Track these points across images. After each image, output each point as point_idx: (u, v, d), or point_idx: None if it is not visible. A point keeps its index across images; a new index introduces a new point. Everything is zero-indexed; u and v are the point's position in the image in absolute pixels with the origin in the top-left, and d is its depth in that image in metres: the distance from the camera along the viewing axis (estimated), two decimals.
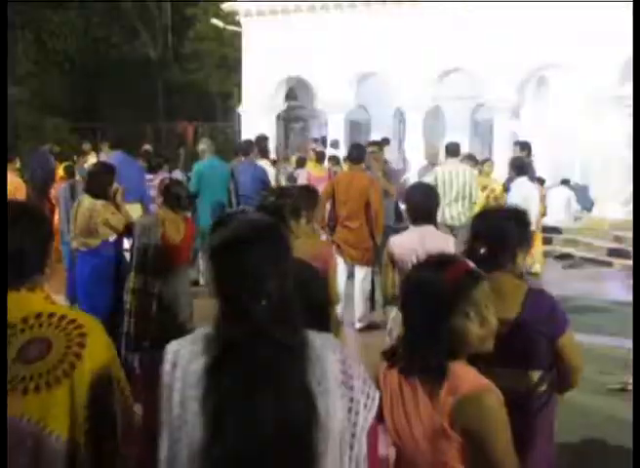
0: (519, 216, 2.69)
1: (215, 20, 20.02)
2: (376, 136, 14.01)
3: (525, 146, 9.06)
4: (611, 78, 12.78)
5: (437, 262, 2.05)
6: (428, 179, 8.61)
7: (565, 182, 13.64)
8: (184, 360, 1.67)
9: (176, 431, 1.65)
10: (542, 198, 8.91)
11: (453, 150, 8.95)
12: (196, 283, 7.55)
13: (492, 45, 13.59)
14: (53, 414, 1.77)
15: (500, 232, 2.57)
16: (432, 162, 11.05)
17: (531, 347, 2.45)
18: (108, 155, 8.54)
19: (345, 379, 1.67)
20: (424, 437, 1.93)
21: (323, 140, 16.55)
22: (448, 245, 4.09)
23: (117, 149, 8.46)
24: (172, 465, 1.66)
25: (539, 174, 10.55)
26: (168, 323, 4.81)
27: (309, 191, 4.46)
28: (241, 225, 1.77)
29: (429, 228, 4.26)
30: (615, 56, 12.37)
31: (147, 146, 12.15)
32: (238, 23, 17.70)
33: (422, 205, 4.32)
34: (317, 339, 1.69)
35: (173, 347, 1.73)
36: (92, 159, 10.79)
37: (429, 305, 1.95)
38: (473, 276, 2.01)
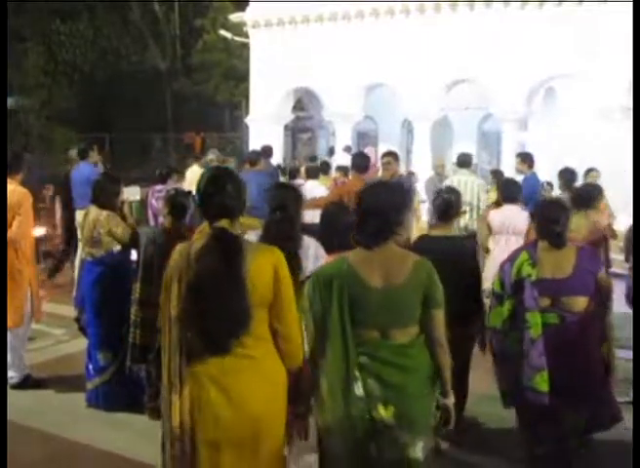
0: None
1: (223, 32, 20.12)
2: (383, 147, 13.98)
3: (526, 158, 8.92)
4: (619, 88, 12.75)
5: None
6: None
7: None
8: None
9: None
10: None
11: (464, 161, 8.90)
12: None
13: (500, 56, 13.59)
14: None
15: None
16: (439, 173, 11.00)
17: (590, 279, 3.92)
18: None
19: (315, 254, 3.62)
20: None
21: (331, 151, 16.53)
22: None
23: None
24: None
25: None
26: None
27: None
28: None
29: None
30: (623, 66, 12.33)
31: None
32: (246, 34, 17.77)
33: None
34: (306, 238, 3.69)
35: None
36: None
37: None
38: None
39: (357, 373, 2.80)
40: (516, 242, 5.25)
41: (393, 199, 2.91)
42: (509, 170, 12.41)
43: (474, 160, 14.50)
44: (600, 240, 5.08)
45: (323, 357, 2.81)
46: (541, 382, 3.85)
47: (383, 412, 2.77)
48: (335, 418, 2.80)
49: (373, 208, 2.88)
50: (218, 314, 2.58)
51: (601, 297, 4.03)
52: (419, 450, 2.81)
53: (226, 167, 4.10)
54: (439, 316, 2.86)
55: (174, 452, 2.69)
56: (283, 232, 3.54)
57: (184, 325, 2.64)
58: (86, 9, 25.91)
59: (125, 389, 5.04)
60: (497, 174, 10.00)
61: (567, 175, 7.68)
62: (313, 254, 3.67)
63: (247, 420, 2.66)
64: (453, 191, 4.79)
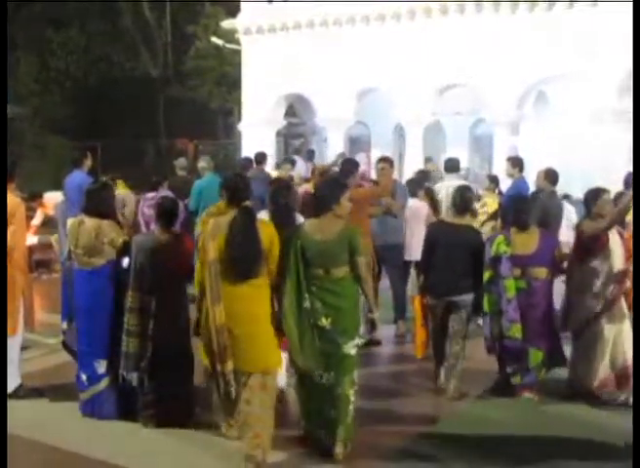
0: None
1: (214, 39, 20.14)
2: (376, 153, 14.01)
3: (516, 162, 8.87)
4: (611, 91, 12.80)
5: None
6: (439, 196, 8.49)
7: (566, 197, 13.57)
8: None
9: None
10: None
11: (452, 166, 8.91)
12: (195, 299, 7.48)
13: (491, 60, 13.65)
14: None
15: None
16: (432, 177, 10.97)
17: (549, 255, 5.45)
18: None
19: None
20: None
21: (309, 153, 16.28)
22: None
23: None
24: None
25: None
26: (165, 342, 4.78)
27: None
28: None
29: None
30: (615, 68, 12.39)
31: None
32: (238, 41, 17.79)
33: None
34: (297, 214, 5.44)
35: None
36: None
37: None
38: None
39: (306, 295, 4.34)
40: (418, 224, 7.17)
41: (330, 189, 4.49)
42: (502, 174, 12.47)
43: (467, 164, 14.59)
44: None
45: (285, 284, 4.34)
46: (516, 332, 5.29)
47: (324, 321, 4.32)
48: (293, 324, 4.32)
49: (318, 193, 4.61)
50: (246, 254, 4.16)
51: (557, 266, 5.56)
52: (349, 348, 4.36)
53: (240, 172, 6.48)
54: (360, 261, 4.38)
55: (223, 341, 4.17)
56: (287, 214, 5.16)
57: (224, 263, 4.19)
58: (77, 16, 25.89)
59: (119, 398, 5.03)
60: (493, 179, 10.00)
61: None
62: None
63: (253, 318, 4.25)
64: (470, 190, 5.96)
